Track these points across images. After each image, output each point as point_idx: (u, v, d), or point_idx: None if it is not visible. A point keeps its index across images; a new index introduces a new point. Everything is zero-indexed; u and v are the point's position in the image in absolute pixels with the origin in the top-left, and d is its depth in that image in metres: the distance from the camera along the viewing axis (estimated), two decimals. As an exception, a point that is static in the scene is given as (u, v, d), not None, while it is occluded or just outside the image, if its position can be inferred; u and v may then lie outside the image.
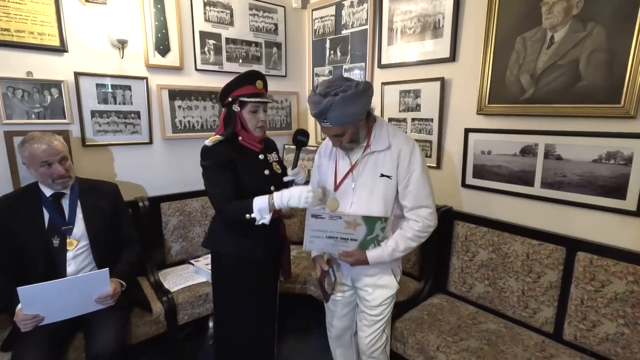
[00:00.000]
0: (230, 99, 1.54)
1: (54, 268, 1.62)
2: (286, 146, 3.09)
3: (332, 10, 2.85)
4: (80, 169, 2.05)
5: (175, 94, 2.47)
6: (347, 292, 1.65)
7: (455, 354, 1.63)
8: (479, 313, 1.96)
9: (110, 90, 2.20)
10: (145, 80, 2.31)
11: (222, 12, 2.61)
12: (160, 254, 2.37)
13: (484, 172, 2.04)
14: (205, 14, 2.53)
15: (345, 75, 2.78)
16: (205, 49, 2.56)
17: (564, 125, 1.72)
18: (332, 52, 2.92)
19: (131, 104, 2.29)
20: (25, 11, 1.88)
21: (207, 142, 1.53)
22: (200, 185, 2.48)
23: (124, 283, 1.69)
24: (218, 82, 2.62)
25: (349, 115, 1.31)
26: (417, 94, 2.32)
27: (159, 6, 2.31)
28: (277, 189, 1.58)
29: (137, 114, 2.32)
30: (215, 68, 2.63)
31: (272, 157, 1.70)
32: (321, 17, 2.96)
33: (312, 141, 3.25)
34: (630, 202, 1.56)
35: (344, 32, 2.79)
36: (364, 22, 2.61)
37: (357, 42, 2.69)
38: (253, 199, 1.43)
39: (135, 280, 1.97)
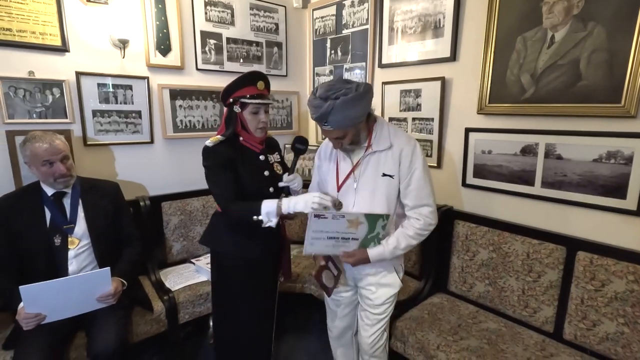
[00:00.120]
0: (231, 100, 1.53)
1: (56, 267, 1.63)
2: (287, 146, 3.09)
3: (332, 10, 2.86)
4: (81, 168, 2.06)
5: (177, 94, 2.47)
6: (348, 292, 1.66)
7: (455, 353, 1.63)
8: (479, 312, 1.96)
9: (111, 89, 2.20)
10: (146, 79, 2.31)
11: (223, 11, 2.61)
12: (161, 253, 2.38)
13: (485, 172, 2.04)
14: (206, 13, 2.53)
15: (346, 75, 2.80)
16: (206, 49, 2.57)
17: (565, 124, 1.72)
18: (332, 51, 2.93)
19: (132, 103, 2.29)
20: (27, 11, 1.89)
21: (208, 143, 1.53)
22: (201, 185, 2.51)
23: (125, 282, 1.70)
24: (219, 82, 2.63)
25: (350, 118, 1.31)
26: (417, 93, 2.32)
27: (160, 6, 2.31)
28: (277, 190, 1.59)
29: (139, 113, 2.32)
30: (216, 68, 2.63)
31: (274, 157, 1.69)
32: (322, 17, 2.96)
33: (312, 141, 3.26)
34: (630, 202, 1.56)
35: (345, 31, 2.79)
36: (365, 21, 2.61)
37: (358, 41, 2.69)
38: (262, 201, 1.43)
39: (137, 279, 1.98)
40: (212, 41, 2.59)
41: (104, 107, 2.19)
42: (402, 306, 1.96)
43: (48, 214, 1.65)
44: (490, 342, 1.70)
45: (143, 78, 2.31)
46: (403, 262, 1.63)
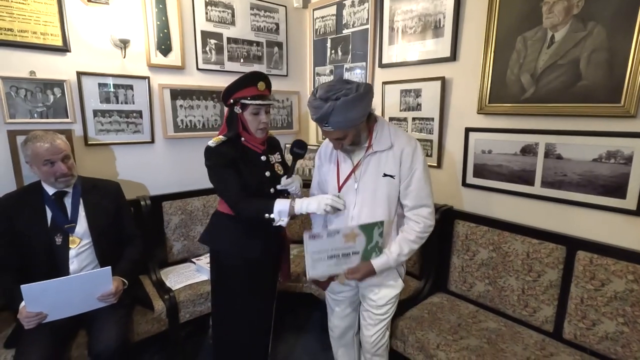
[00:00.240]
0: (232, 101, 1.53)
1: (57, 266, 1.64)
2: (287, 145, 3.09)
3: (333, 10, 2.86)
4: (82, 167, 2.07)
5: (177, 94, 2.48)
6: (349, 292, 1.65)
7: (455, 353, 1.63)
8: (479, 312, 1.96)
9: (112, 89, 2.21)
10: (147, 79, 2.32)
11: (223, 11, 2.62)
12: (161, 253, 2.38)
13: (485, 172, 2.04)
14: (206, 13, 2.54)
15: (346, 75, 2.80)
16: (207, 49, 2.57)
17: (565, 124, 1.72)
18: (333, 51, 2.93)
19: (133, 103, 2.30)
20: (28, 11, 1.89)
21: (211, 143, 1.52)
22: (201, 184, 2.54)
23: (126, 281, 1.70)
24: (220, 82, 2.64)
25: (351, 119, 1.30)
26: (417, 93, 2.32)
27: (160, 6, 2.32)
28: (277, 190, 1.59)
29: (139, 113, 2.33)
30: (217, 67, 2.64)
31: (275, 157, 1.69)
32: (322, 17, 2.96)
33: (312, 141, 3.27)
34: (630, 202, 1.56)
35: (345, 31, 2.79)
36: (365, 21, 2.62)
37: (358, 41, 2.70)
38: (274, 200, 1.44)
39: (137, 279, 1.99)
40: (213, 41, 2.59)
41: (105, 107, 2.20)
42: (402, 306, 1.95)
43: (49, 214, 1.66)
44: (490, 342, 1.70)
45: (144, 78, 2.31)
46: (405, 262, 1.63)
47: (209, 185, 2.50)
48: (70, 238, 1.67)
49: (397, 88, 2.43)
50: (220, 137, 1.54)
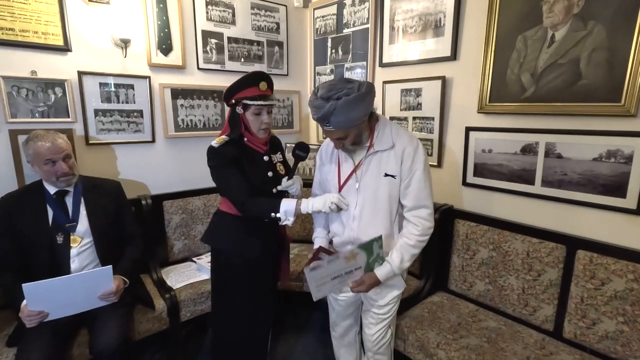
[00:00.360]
0: (233, 101, 1.53)
1: (58, 265, 1.64)
2: (287, 145, 3.10)
3: (333, 9, 2.86)
4: (83, 167, 2.07)
5: (178, 93, 2.48)
6: (349, 293, 1.63)
7: (455, 352, 1.64)
8: (479, 311, 1.97)
9: (113, 89, 2.22)
10: (148, 79, 2.32)
11: (224, 11, 2.62)
12: (162, 252, 2.39)
13: (485, 171, 2.04)
14: (207, 13, 2.54)
15: (347, 74, 2.80)
16: (208, 48, 2.58)
17: (565, 123, 1.72)
18: (333, 50, 2.93)
19: (134, 102, 2.30)
20: (30, 11, 1.90)
21: (214, 143, 1.52)
22: (202, 184, 2.54)
23: (127, 280, 1.71)
24: (220, 81, 2.64)
25: (352, 119, 1.29)
26: (418, 92, 2.32)
27: (161, 5, 2.32)
28: (280, 191, 1.59)
29: (140, 112, 2.34)
30: (218, 67, 2.64)
31: (277, 157, 1.69)
32: (323, 16, 2.97)
33: (312, 140, 3.27)
34: (630, 201, 1.56)
35: (346, 31, 2.80)
36: (366, 20, 2.62)
37: (359, 40, 2.70)
38: (281, 199, 1.44)
39: (138, 278, 1.99)
40: (214, 41, 2.60)
41: (106, 106, 2.21)
42: (402, 305, 1.94)
43: (50, 213, 1.67)
44: (490, 341, 1.70)
45: (145, 77, 2.32)
46: None
47: (209, 184, 2.51)
48: (72, 237, 1.68)
49: (397, 87, 2.43)
50: (223, 137, 1.54)
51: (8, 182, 1.91)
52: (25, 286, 1.37)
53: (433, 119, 2.26)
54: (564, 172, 1.74)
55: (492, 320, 1.88)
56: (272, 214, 1.43)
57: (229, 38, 2.67)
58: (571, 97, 1.67)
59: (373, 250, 1.38)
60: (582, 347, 1.66)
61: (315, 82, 3.15)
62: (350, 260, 1.37)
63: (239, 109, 1.53)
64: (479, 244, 1.99)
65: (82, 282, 1.51)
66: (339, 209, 1.43)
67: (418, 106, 2.34)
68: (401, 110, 2.44)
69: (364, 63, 2.67)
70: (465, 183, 2.15)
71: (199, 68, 2.56)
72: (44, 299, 1.44)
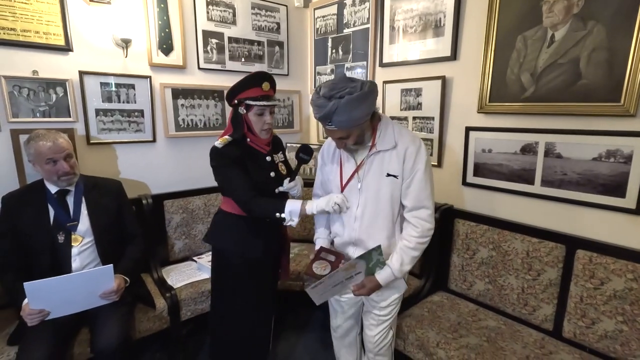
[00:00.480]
0: (236, 101, 1.53)
1: (60, 264, 1.65)
2: (288, 144, 3.10)
3: (334, 9, 2.86)
4: (84, 166, 2.08)
5: (179, 93, 2.49)
6: (351, 294, 1.62)
7: (454, 351, 1.64)
8: (479, 310, 1.97)
9: (114, 89, 2.22)
10: (148, 79, 2.33)
11: (224, 11, 2.63)
12: (163, 251, 2.39)
13: (485, 171, 2.04)
14: (208, 13, 2.55)
15: (347, 74, 2.80)
16: (208, 48, 2.58)
17: (564, 123, 1.72)
18: (334, 50, 2.93)
19: (135, 102, 2.31)
20: (31, 11, 1.90)
21: (217, 144, 1.51)
22: (203, 183, 2.55)
23: (127, 279, 1.71)
24: (221, 81, 2.65)
25: (355, 118, 1.27)
26: (418, 92, 2.33)
27: (162, 5, 2.33)
28: (280, 191, 1.60)
29: (141, 112, 2.34)
30: (218, 67, 2.65)
31: (279, 157, 1.69)
32: (323, 16, 2.97)
33: (313, 140, 3.28)
34: (629, 200, 1.57)
35: (346, 30, 2.80)
36: (366, 20, 2.62)
37: (359, 40, 2.70)
38: (286, 200, 1.44)
39: (139, 277, 2.00)
40: (214, 40, 2.60)
41: (107, 106, 2.21)
42: (402, 304, 1.94)
43: (52, 212, 1.67)
44: (490, 340, 1.71)
45: (145, 77, 2.32)
46: None
47: (210, 184, 2.53)
48: (73, 236, 1.68)
49: (397, 87, 2.44)
50: (226, 137, 1.53)
51: (9, 181, 1.92)
52: (27, 285, 1.38)
53: (433, 118, 2.26)
54: (563, 172, 1.74)
55: (492, 319, 1.88)
56: (277, 214, 1.43)
57: (229, 38, 2.67)
58: (571, 97, 1.67)
59: (372, 258, 1.38)
60: (581, 346, 1.66)
61: (316, 82, 3.15)
62: (350, 270, 1.38)
63: (242, 110, 1.53)
64: (479, 243, 2.00)
65: (83, 280, 1.52)
66: (342, 210, 1.42)
67: (418, 106, 2.34)
68: (401, 110, 2.44)
69: (364, 63, 2.68)
70: (465, 183, 2.15)
71: (199, 68, 2.56)
72: (45, 297, 1.45)
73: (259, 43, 2.85)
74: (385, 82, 2.51)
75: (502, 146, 1.95)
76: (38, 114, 1.99)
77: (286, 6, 2.95)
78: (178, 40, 2.42)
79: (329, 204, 1.40)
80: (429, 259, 2.19)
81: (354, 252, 1.51)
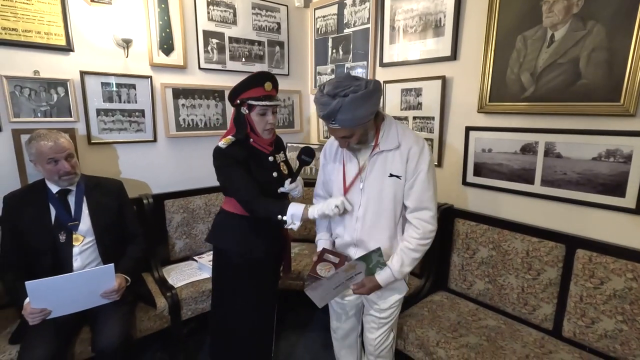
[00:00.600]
0: (238, 101, 1.53)
1: (61, 263, 1.66)
2: (288, 144, 3.11)
3: (334, 9, 2.87)
4: (85, 166, 2.09)
5: (179, 93, 2.49)
6: (353, 295, 1.61)
7: (454, 350, 1.64)
8: (479, 310, 1.97)
9: (115, 89, 2.23)
10: (149, 79, 2.34)
11: (225, 11, 2.63)
12: (164, 251, 2.40)
13: (485, 170, 2.05)
14: (208, 13, 2.55)
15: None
16: (209, 48, 2.59)
17: (564, 123, 1.73)
18: (334, 50, 2.94)
19: (136, 102, 2.32)
20: (32, 11, 1.91)
21: (221, 144, 1.51)
22: (203, 183, 2.55)
23: (128, 278, 1.72)
24: (221, 81, 2.65)
25: (359, 117, 1.26)
26: (418, 92, 2.33)
27: (163, 6, 2.33)
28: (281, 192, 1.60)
29: (142, 112, 2.35)
30: (219, 67, 2.65)
31: (280, 157, 1.70)
32: (323, 16, 2.97)
33: (314, 139, 3.28)
34: (629, 200, 1.57)
35: (346, 30, 2.80)
36: (366, 20, 2.63)
37: (359, 40, 2.71)
38: (290, 202, 1.44)
39: (140, 276, 2.00)
40: (215, 40, 2.61)
41: (108, 106, 2.22)
42: (402, 304, 1.96)
43: (53, 211, 1.68)
44: (490, 339, 1.71)
45: (146, 77, 2.33)
46: None
47: (210, 183, 2.54)
48: (74, 236, 1.69)
49: (398, 87, 2.44)
50: (230, 137, 1.53)
51: (11, 181, 1.93)
52: (28, 284, 1.39)
53: (433, 118, 2.26)
54: (563, 172, 1.74)
55: (492, 319, 1.89)
56: (279, 217, 1.42)
57: (230, 38, 2.68)
58: (571, 97, 1.68)
59: (372, 259, 1.38)
60: (581, 345, 1.66)
61: (316, 82, 3.16)
62: (350, 270, 1.38)
63: (244, 110, 1.53)
64: (479, 243, 2.00)
65: (84, 279, 1.52)
66: (344, 212, 1.41)
67: (418, 106, 2.34)
68: (401, 109, 2.44)
69: (365, 63, 2.68)
70: (465, 182, 2.15)
71: (200, 68, 2.57)
72: (46, 296, 1.46)
73: (260, 43, 2.85)
74: (385, 82, 2.51)
75: (502, 146, 1.95)
76: (39, 114, 2.00)
77: (287, 6, 2.95)
78: (179, 40, 2.43)
79: (328, 208, 1.39)
80: (429, 258, 2.18)
81: (355, 253, 1.51)
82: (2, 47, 1.87)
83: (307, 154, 1.57)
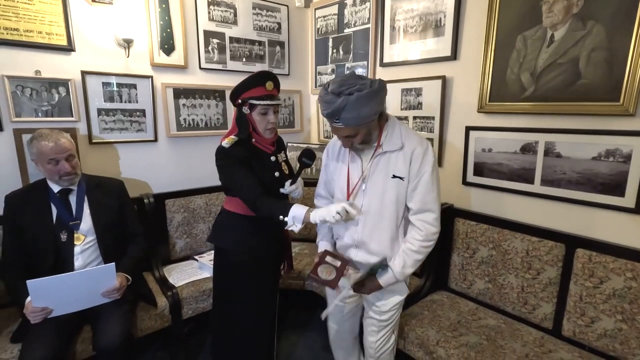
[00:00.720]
0: (240, 101, 1.53)
1: (62, 262, 1.66)
2: (289, 144, 3.11)
3: (334, 9, 2.87)
4: (86, 166, 2.09)
5: (180, 93, 2.50)
6: (351, 298, 1.62)
7: (454, 349, 1.65)
8: (479, 309, 1.98)
9: (116, 88, 2.24)
10: (150, 78, 2.34)
11: (226, 11, 2.64)
12: (164, 250, 2.41)
13: (485, 170, 2.05)
14: (209, 13, 2.56)
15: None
16: (209, 48, 2.59)
17: (564, 123, 1.73)
18: (334, 50, 2.94)
19: (137, 102, 2.32)
20: (34, 11, 1.92)
21: (224, 144, 1.51)
22: (204, 183, 2.56)
23: (129, 277, 1.73)
24: (222, 81, 2.66)
25: (363, 116, 1.24)
26: (418, 92, 2.33)
27: (163, 6, 2.34)
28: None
29: (143, 112, 2.35)
30: (219, 67, 2.66)
31: (281, 156, 1.70)
32: (324, 16, 2.98)
33: (314, 139, 3.29)
34: (628, 200, 1.57)
35: (347, 30, 2.81)
36: (367, 20, 2.63)
37: (360, 40, 2.71)
38: (293, 204, 1.43)
39: (141, 275, 2.01)
40: (215, 40, 2.61)
41: (109, 105, 2.23)
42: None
43: (54, 211, 1.69)
44: (490, 339, 1.72)
45: (147, 77, 2.34)
46: None
47: (211, 183, 2.55)
48: (75, 235, 1.70)
49: (398, 87, 2.44)
50: (233, 137, 1.53)
51: (12, 180, 1.94)
52: (30, 282, 1.40)
53: (433, 118, 2.27)
54: (563, 171, 1.75)
55: (492, 318, 1.89)
56: (280, 217, 1.41)
57: (230, 38, 2.69)
58: (570, 97, 1.68)
59: (375, 266, 1.40)
60: (580, 345, 1.67)
61: (317, 81, 3.16)
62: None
63: (245, 109, 1.53)
64: (479, 242, 2.00)
65: (85, 279, 1.53)
66: (348, 218, 1.36)
67: (418, 106, 2.35)
68: (402, 109, 2.45)
69: (365, 63, 2.69)
70: (465, 182, 2.16)
71: (200, 68, 2.58)
72: (47, 295, 1.46)
73: (260, 43, 2.86)
74: (385, 82, 2.51)
75: (502, 145, 1.96)
76: (40, 114, 2.00)
77: (287, 6, 2.96)
78: (179, 40, 2.43)
79: (329, 214, 1.33)
80: (429, 258, 2.14)
81: (355, 255, 1.50)
82: (4, 47, 1.88)
83: (308, 157, 1.57)
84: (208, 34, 2.57)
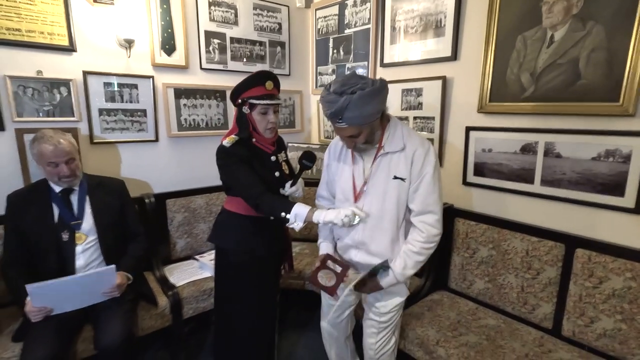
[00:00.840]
0: (240, 101, 1.54)
1: (64, 262, 1.67)
2: (289, 144, 3.12)
3: (335, 10, 2.88)
4: (88, 165, 2.10)
5: (181, 93, 2.51)
6: (349, 297, 1.62)
7: (454, 349, 1.65)
8: (479, 309, 1.98)
9: (117, 88, 2.24)
10: (151, 79, 2.35)
11: (226, 11, 2.64)
12: (165, 250, 2.41)
13: (485, 170, 2.06)
14: (210, 13, 2.57)
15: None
16: (210, 48, 2.60)
17: (564, 123, 1.73)
18: (335, 51, 2.95)
19: (138, 102, 2.33)
20: (36, 12, 1.93)
21: (225, 143, 1.52)
22: (205, 183, 2.57)
23: (130, 276, 1.73)
24: (223, 81, 2.67)
25: (366, 115, 1.24)
26: (419, 92, 2.34)
27: (165, 6, 2.35)
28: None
29: (144, 112, 2.36)
30: (220, 67, 2.67)
31: (281, 156, 1.70)
32: (324, 17, 2.99)
33: (314, 140, 3.29)
34: (628, 200, 1.57)
35: (347, 31, 2.81)
36: (367, 21, 2.64)
37: (360, 41, 2.72)
38: (296, 202, 1.43)
39: (142, 275, 2.01)
40: (216, 41, 2.62)
41: (110, 105, 2.23)
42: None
43: (56, 210, 1.70)
44: (489, 338, 1.72)
45: (148, 77, 2.34)
46: None
47: (212, 183, 2.55)
48: (77, 234, 1.71)
49: (398, 87, 2.45)
50: (233, 136, 1.53)
51: (14, 180, 1.94)
52: (29, 287, 1.40)
53: (434, 118, 2.27)
54: (563, 172, 1.75)
55: (492, 318, 1.89)
56: (283, 214, 1.41)
57: (231, 38, 2.69)
58: (570, 97, 1.68)
59: (377, 268, 1.40)
60: (580, 344, 1.67)
61: (317, 82, 3.17)
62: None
63: (246, 109, 1.53)
64: (479, 242, 2.01)
65: (85, 282, 1.54)
66: (358, 222, 1.36)
67: (419, 106, 2.35)
68: (402, 110, 2.45)
69: (365, 63, 2.69)
70: (465, 182, 2.16)
71: (201, 68, 2.58)
72: (47, 297, 1.47)
73: (261, 43, 2.86)
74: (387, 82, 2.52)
75: (502, 146, 1.96)
76: (42, 114, 2.01)
77: (288, 7, 2.97)
78: (180, 40, 2.44)
79: (338, 217, 1.32)
80: (429, 258, 2.19)
81: (356, 255, 1.50)
82: (6, 47, 1.88)
83: (308, 159, 1.57)
84: (209, 34, 2.58)
